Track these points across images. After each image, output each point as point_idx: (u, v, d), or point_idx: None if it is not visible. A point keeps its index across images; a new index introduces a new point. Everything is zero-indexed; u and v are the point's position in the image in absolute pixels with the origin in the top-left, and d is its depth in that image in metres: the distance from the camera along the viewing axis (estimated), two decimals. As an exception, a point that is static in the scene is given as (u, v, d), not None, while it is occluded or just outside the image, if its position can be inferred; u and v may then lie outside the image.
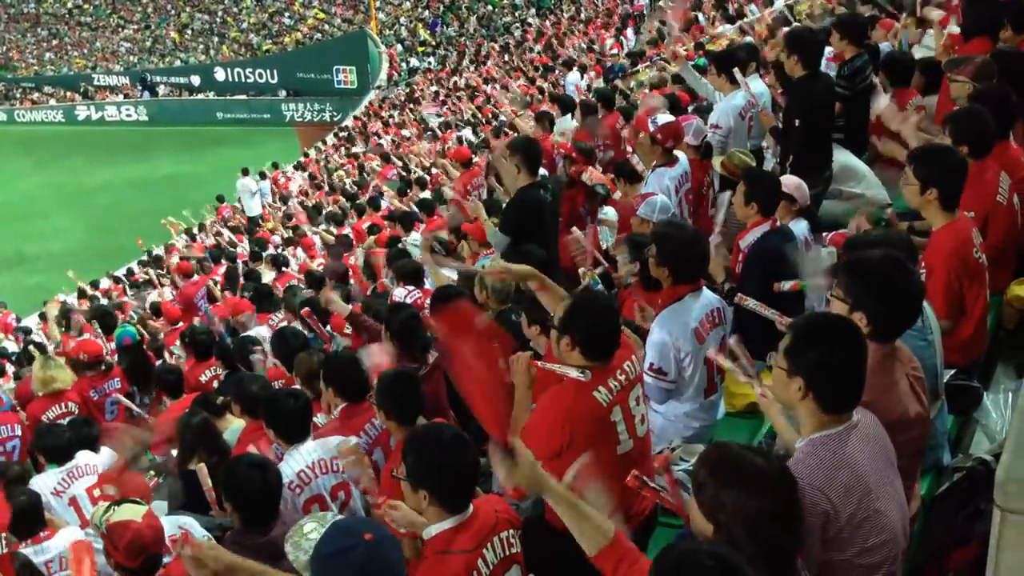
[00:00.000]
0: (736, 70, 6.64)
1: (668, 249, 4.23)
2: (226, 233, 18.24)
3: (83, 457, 5.39)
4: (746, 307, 3.74)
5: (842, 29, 6.35)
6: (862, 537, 2.59)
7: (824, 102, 5.88)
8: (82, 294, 16.83)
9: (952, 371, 3.92)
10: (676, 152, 6.38)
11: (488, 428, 2.38)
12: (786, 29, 7.00)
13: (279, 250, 14.44)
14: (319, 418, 4.93)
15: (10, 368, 11.41)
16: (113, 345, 8.39)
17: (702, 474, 2.44)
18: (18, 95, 43.81)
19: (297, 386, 5.29)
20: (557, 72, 21.43)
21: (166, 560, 3.90)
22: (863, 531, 2.59)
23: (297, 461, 4.31)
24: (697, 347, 4.22)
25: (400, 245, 8.89)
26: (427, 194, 12.88)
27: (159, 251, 19.32)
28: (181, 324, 9.86)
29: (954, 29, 6.24)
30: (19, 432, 6.49)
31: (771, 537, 2.35)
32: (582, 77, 18.15)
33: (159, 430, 5.30)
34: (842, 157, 6.11)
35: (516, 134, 10.11)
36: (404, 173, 16.87)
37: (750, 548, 2.26)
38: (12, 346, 15.06)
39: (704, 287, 4.36)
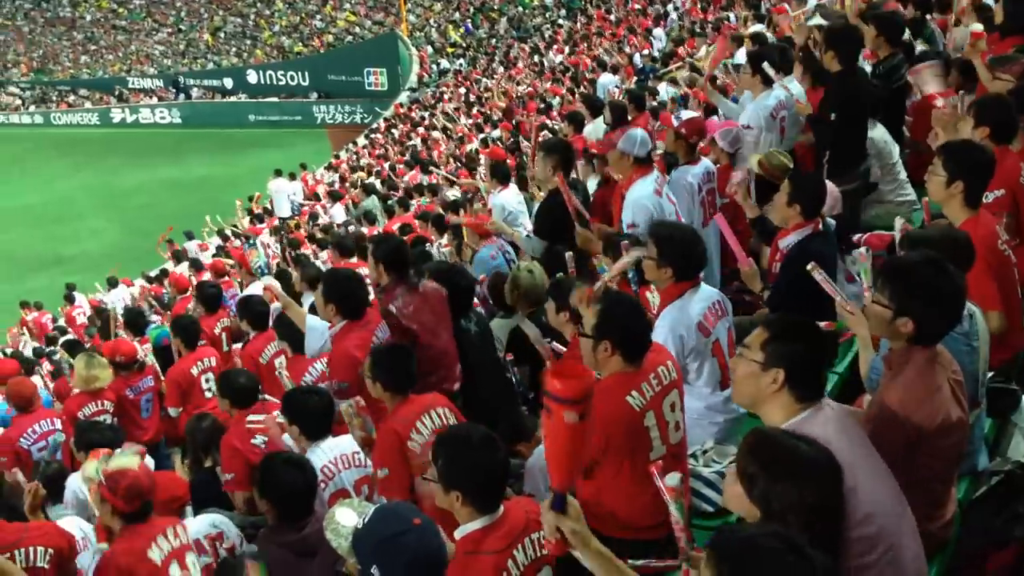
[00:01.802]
0: (766, 66, 6.59)
1: (670, 249, 4.24)
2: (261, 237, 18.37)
3: (121, 456, 5.46)
4: (815, 278, 3.71)
5: (880, 26, 6.27)
6: (848, 509, 2.59)
7: (860, 97, 5.82)
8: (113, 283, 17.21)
9: (990, 374, 3.88)
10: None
11: (552, 475, 2.44)
12: (813, 23, 6.92)
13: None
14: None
15: (47, 366, 11.57)
16: (148, 346, 8.49)
17: (753, 467, 2.44)
18: (54, 98, 44.49)
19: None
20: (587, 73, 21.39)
21: (205, 560, 3.98)
22: (847, 503, 2.59)
23: (320, 456, 4.36)
24: (703, 340, 4.23)
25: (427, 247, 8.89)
26: (456, 192, 12.92)
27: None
28: (189, 294, 9.88)
29: (977, 26, 6.20)
30: (59, 425, 6.58)
31: (823, 526, 2.37)
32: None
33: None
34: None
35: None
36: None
37: (802, 536, 2.26)
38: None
39: (702, 282, 4.38)
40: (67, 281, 18.97)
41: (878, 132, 6.15)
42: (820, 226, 4.75)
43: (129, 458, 3.85)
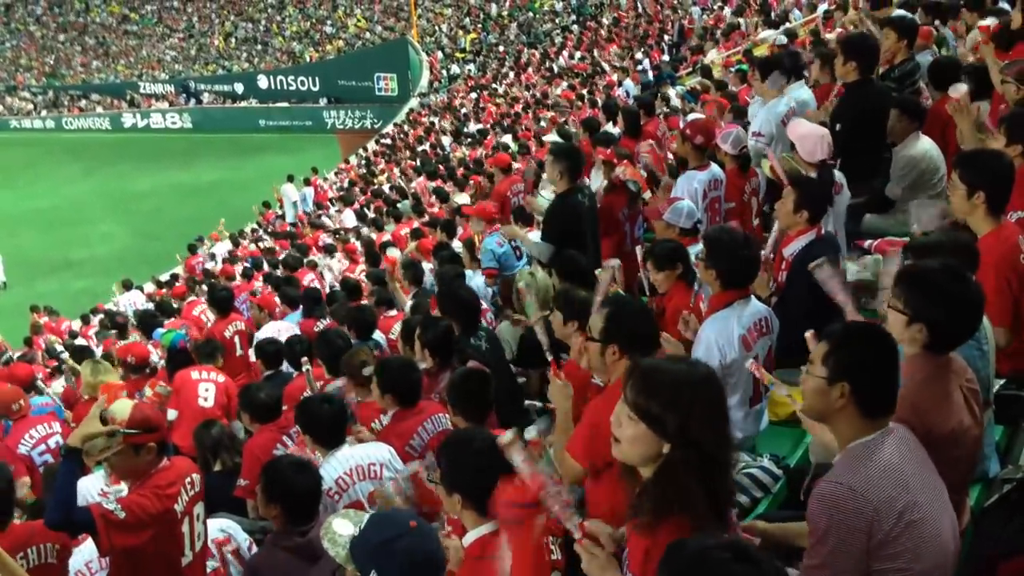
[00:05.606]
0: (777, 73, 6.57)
1: (719, 253, 4.16)
2: (268, 240, 18.45)
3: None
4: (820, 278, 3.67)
5: (899, 29, 6.23)
6: (912, 542, 2.51)
7: (876, 108, 5.76)
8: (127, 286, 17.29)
9: (1002, 381, 3.84)
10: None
11: None
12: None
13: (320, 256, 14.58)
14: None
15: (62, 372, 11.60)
16: (160, 350, 8.50)
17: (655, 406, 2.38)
18: (66, 103, 44.73)
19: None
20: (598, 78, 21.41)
21: (212, 565, 3.96)
22: (912, 534, 2.52)
23: (335, 468, 4.32)
24: (744, 355, 4.13)
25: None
26: (465, 198, 12.91)
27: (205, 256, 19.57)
28: (195, 299, 9.91)
29: (983, 22, 6.15)
30: (58, 428, 6.58)
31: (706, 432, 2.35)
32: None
33: None
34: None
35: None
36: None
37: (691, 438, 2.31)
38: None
39: (752, 296, 4.30)
40: (77, 284, 19.03)
41: (922, 145, 5.89)
42: (822, 232, 4.73)
43: (123, 402, 3.94)
